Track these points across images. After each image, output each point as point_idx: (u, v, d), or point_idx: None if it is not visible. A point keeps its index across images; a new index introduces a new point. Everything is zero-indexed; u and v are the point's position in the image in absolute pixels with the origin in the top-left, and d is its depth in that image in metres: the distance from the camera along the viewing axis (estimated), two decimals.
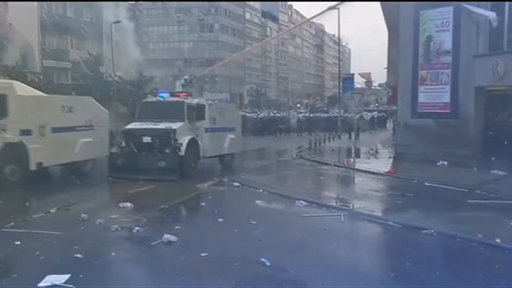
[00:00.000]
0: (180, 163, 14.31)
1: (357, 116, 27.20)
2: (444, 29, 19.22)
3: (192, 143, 15.15)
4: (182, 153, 14.49)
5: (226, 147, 17.65)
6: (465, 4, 16.92)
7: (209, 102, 17.55)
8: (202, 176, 15.58)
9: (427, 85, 19.72)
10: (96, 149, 15.59)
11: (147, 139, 14.69)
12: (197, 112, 15.87)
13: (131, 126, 15.58)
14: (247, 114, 41.54)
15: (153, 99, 16.99)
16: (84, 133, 15.12)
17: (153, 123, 14.97)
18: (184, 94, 16.54)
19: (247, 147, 23.61)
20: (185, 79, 17.80)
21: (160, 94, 16.77)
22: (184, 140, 14.74)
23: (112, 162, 14.90)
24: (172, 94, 16.71)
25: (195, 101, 16.43)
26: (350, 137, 29.19)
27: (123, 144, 14.96)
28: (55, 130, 13.87)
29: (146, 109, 16.00)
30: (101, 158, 15.96)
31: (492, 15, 16.30)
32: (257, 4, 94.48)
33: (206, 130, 16.29)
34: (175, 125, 14.72)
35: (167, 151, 14.39)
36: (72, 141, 14.62)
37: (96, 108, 16.34)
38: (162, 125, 14.77)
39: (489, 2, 17.53)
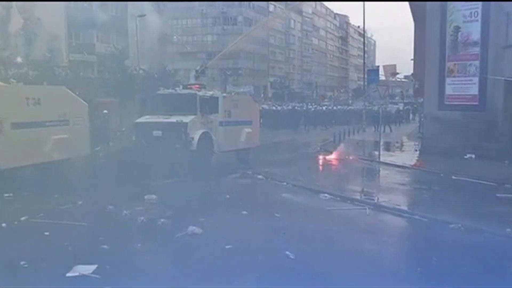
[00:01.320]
0: (192, 158, 13.77)
1: (387, 108, 26.79)
2: (472, 19, 18.77)
3: (205, 137, 14.65)
4: (194, 147, 14.04)
5: (242, 141, 16.85)
6: None
7: (224, 94, 16.77)
8: (226, 169, 15.64)
9: (454, 77, 19.33)
10: (73, 147, 13.51)
11: (157, 133, 14.25)
12: (210, 105, 15.20)
13: (141, 119, 15.16)
14: (265, 107, 41.19)
15: (165, 91, 16.43)
16: (56, 129, 12.94)
17: (164, 117, 14.52)
18: (197, 86, 15.96)
19: (269, 141, 23.59)
20: (196, 70, 17.01)
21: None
22: (196, 134, 14.28)
23: (123, 156, 14.58)
24: (185, 87, 16.25)
25: (209, 93, 15.82)
26: (376, 130, 28.76)
27: (134, 138, 14.63)
28: (17, 125, 11.75)
29: (158, 102, 15.53)
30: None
31: None
32: None
33: (221, 123, 15.63)
34: (186, 119, 14.23)
35: (178, 145, 13.85)
36: (40, 138, 12.44)
37: (72, 100, 14.12)
38: (173, 119, 14.27)
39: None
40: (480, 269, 6.58)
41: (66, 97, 13.95)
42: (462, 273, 6.31)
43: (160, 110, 14.93)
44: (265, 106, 43.19)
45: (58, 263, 6.49)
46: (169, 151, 13.62)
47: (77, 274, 5.99)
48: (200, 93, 15.24)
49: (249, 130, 17.31)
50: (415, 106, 52.37)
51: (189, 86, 16.11)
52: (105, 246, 7.14)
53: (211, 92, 16.07)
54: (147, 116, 15.07)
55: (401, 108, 48.81)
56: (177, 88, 16.02)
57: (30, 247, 7.19)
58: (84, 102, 15.00)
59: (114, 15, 43.56)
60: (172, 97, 15.53)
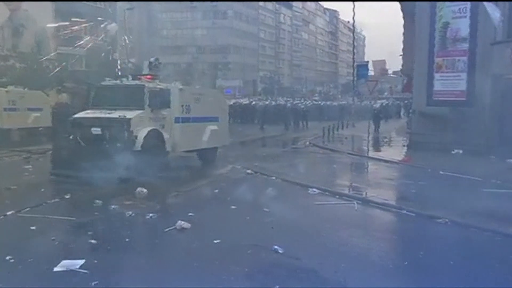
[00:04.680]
0: (137, 160, 11.92)
1: (384, 103, 25.91)
2: (461, 15, 18.87)
3: (154, 135, 12.92)
4: (138, 147, 12.27)
5: (206, 140, 15.02)
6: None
7: (181, 87, 14.54)
8: (215, 164, 15.61)
9: (443, 72, 19.44)
10: None
11: (96, 131, 12.40)
12: (162, 99, 13.38)
13: (80, 114, 13.27)
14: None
15: (109, 83, 14.37)
16: None
17: (107, 112, 12.74)
18: (148, 77, 14.00)
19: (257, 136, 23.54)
20: (150, 62, 14.75)
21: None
22: (142, 132, 12.49)
23: (55, 156, 12.75)
24: (134, 77, 14.31)
25: (162, 85, 13.99)
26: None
27: (71, 136, 12.72)
28: None
29: (101, 95, 13.70)
30: None
31: (498, 19, 16.00)
32: None
33: (177, 120, 13.86)
34: (130, 114, 12.44)
35: (119, 145, 12.07)
36: None
37: None
38: (116, 114, 12.51)
39: (507, 2, 17.20)
40: (466, 264, 6.64)
41: None
42: (449, 268, 6.37)
43: (104, 104, 13.22)
44: (252, 102, 43.08)
45: (45, 258, 6.43)
46: (110, 152, 11.83)
47: (64, 269, 5.95)
48: (150, 85, 13.47)
49: (215, 127, 15.49)
50: (405, 102, 52.65)
51: (138, 77, 14.23)
52: (92, 241, 7.10)
53: (165, 84, 14.29)
54: (88, 111, 13.33)
55: (389, 103, 48.95)
56: (123, 79, 14.12)
57: (16, 242, 7.13)
58: None
59: (103, 8, 43.14)
60: (117, 89, 13.73)
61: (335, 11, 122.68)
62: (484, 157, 16.15)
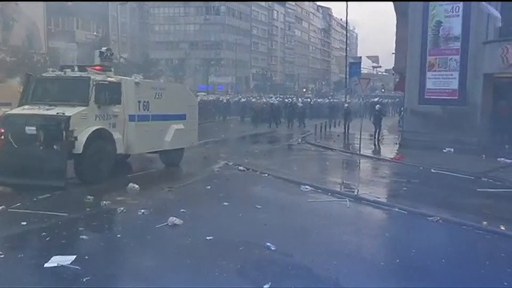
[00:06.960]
0: (76, 165, 10.86)
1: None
2: (453, 14, 18.98)
3: (100, 136, 11.23)
4: (79, 150, 10.61)
5: (168, 141, 13.40)
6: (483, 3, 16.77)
7: (136, 80, 12.69)
8: (207, 160, 15.58)
9: (435, 71, 19.55)
10: None
11: (31, 130, 10.61)
12: (111, 94, 11.70)
13: (15, 111, 11.62)
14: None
15: (51, 74, 12.42)
16: None
17: (46, 108, 11.02)
18: (98, 68, 12.21)
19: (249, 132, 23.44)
20: (101, 52, 12.67)
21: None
22: (84, 133, 10.78)
23: None
24: (80, 68, 12.27)
25: (115, 78, 12.29)
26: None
27: (2, 136, 11.02)
28: None
29: (41, 88, 11.94)
30: None
31: (498, 17, 16.16)
32: None
33: (132, 118, 12.22)
34: (71, 111, 10.71)
35: (55, 147, 10.50)
36: None
37: None
38: (54, 111, 10.77)
39: (499, 2, 17.34)
40: (457, 262, 6.69)
41: None
42: (440, 266, 6.40)
43: (44, 99, 11.57)
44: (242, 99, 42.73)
45: (35, 254, 6.40)
46: (45, 155, 10.44)
47: (55, 264, 5.91)
48: (97, 78, 11.64)
49: (180, 126, 13.86)
50: (396, 100, 52.81)
51: (86, 68, 12.33)
52: (84, 237, 7.07)
53: (119, 77, 12.62)
54: (25, 107, 11.53)
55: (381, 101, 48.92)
56: (67, 70, 12.16)
57: (7, 238, 7.07)
58: None
59: (95, 2, 42.87)
60: (59, 81, 12.00)
61: (328, 8, 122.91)
62: (475, 155, 16.28)
